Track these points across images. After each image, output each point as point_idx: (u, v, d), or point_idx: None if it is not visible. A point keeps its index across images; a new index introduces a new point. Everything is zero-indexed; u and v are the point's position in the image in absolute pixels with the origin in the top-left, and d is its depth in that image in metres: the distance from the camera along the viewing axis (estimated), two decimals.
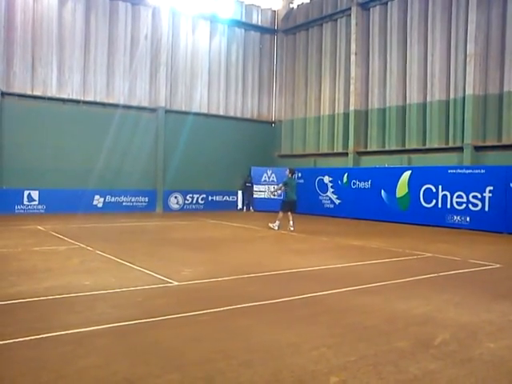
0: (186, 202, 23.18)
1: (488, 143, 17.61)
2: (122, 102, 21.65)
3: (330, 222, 18.96)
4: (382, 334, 4.99)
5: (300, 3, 25.75)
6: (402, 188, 18.22)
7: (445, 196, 16.84)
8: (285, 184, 15.63)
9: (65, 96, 20.44)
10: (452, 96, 18.57)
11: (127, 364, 4.07)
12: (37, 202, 19.50)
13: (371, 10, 21.85)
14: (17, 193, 19.12)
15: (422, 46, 19.61)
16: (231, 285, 7.28)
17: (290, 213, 15.12)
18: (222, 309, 5.77)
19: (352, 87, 22.07)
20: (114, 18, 21.44)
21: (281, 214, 15.16)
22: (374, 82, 21.68)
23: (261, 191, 23.67)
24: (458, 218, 16.45)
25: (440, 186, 16.98)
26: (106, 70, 21.35)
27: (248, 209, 23.88)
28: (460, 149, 18.05)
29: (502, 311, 5.96)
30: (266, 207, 22.08)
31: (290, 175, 15.59)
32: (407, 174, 18.09)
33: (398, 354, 4.41)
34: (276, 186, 16.37)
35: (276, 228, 14.99)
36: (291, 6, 26.24)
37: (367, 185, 19.61)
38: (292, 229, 14.73)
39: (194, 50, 23.78)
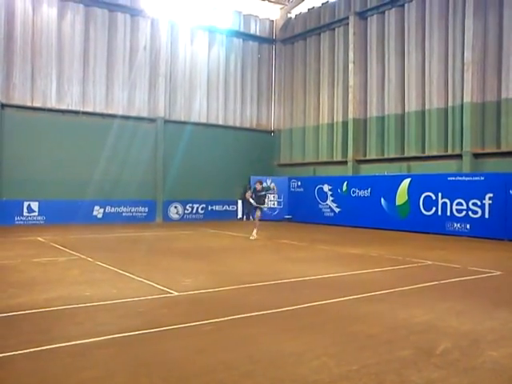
0: (186, 211, 23.16)
1: (487, 150, 17.64)
2: (121, 112, 21.71)
3: (329, 230, 18.94)
4: (385, 342, 4.97)
5: (298, 13, 25.92)
6: (401, 196, 18.23)
7: (444, 203, 16.85)
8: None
9: (64, 107, 20.50)
10: (450, 103, 18.63)
11: (129, 376, 4.05)
12: (36, 213, 19.49)
13: (369, 18, 21.98)
14: (16, 204, 19.11)
15: (420, 54, 19.71)
16: (233, 294, 7.26)
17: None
18: (223, 319, 5.75)
19: (350, 96, 22.15)
20: (112, 29, 21.57)
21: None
22: (372, 90, 21.76)
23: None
24: (458, 225, 16.44)
25: (440, 194, 16.99)
26: (105, 80, 21.44)
27: (248, 218, 23.84)
28: (459, 156, 18.08)
29: (503, 319, 5.94)
30: (265, 216, 22.01)
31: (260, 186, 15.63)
32: (407, 181, 18.11)
33: (400, 362, 4.40)
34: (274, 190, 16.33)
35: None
36: (289, 15, 26.40)
37: (367, 193, 19.62)
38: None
39: (192, 61, 23.88)
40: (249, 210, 23.83)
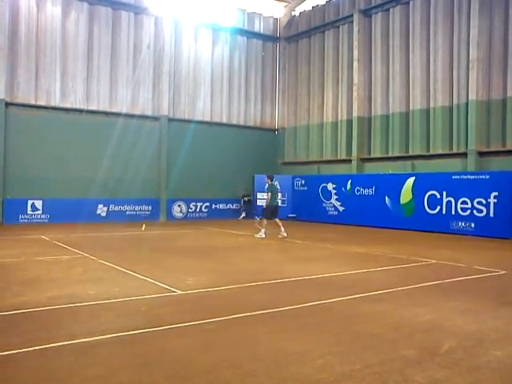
0: (190, 210, 23.16)
1: (492, 148, 17.56)
2: (124, 110, 21.70)
3: (334, 229, 18.91)
4: (388, 341, 4.95)
5: (302, 11, 25.85)
6: (406, 194, 18.18)
7: (449, 202, 16.78)
8: (270, 191, 15.35)
9: (68, 105, 20.51)
10: (455, 102, 18.55)
11: (132, 374, 4.05)
12: (40, 212, 19.52)
13: (373, 16, 21.91)
14: (21, 202, 19.14)
15: (425, 52, 19.63)
16: (236, 293, 7.25)
17: (277, 219, 15.13)
18: (227, 317, 5.74)
19: (355, 94, 22.08)
20: (116, 27, 21.56)
21: (265, 222, 15.20)
22: (376, 88, 21.69)
23: (264, 199, 23.50)
24: (463, 224, 16.38)
25: (444, 192, 16.92)
26: (108, 79, 21.44)
27: (246, 217, 23.36)
28: (464, 154, 18.01)
29: (508, 318, 5.91)
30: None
31: (270, 181, 15.55)
32: (411, 180, 18.05)
33: (403, 362, 4.37)
34: (265, 195, 15.99)
35: (263, 236, 14.86)
36: (293, 13, 26.34)
37: (371, 191, 19.57)
38: (285, 235, 14.72)
39: (196, 59, 23.86)
40: (247, 210, 23.48)
